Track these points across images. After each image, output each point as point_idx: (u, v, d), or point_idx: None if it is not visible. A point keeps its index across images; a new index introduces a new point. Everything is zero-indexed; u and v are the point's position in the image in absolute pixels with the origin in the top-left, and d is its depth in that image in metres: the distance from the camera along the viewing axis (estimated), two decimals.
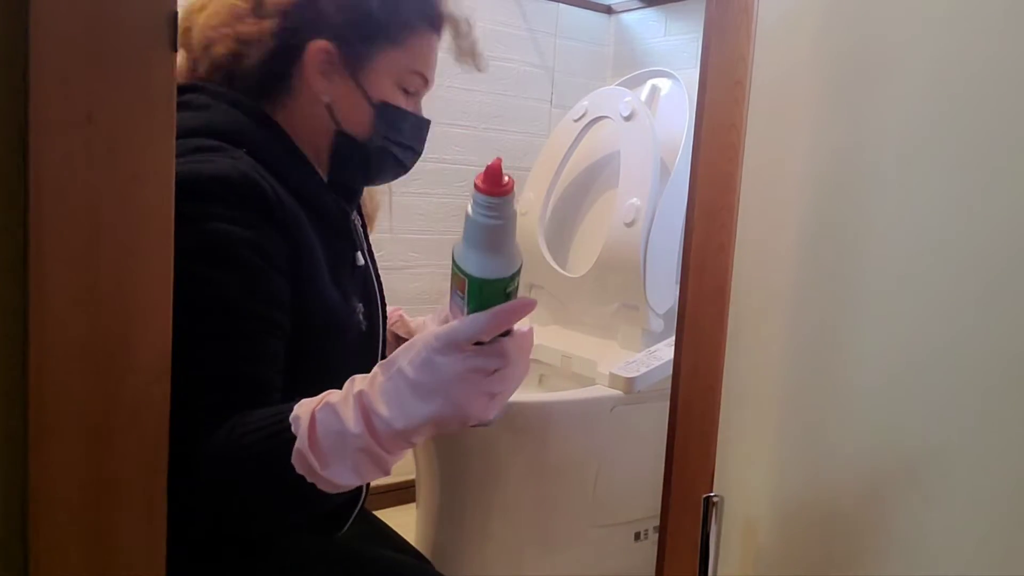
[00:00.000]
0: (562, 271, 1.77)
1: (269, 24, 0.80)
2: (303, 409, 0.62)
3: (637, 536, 1.66)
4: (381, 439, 0.60)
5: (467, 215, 0.61)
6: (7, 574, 0.50)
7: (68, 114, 0.48)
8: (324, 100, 0.83)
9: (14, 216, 0.48)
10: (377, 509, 1.55)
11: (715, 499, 0.80)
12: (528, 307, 0.61)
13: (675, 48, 2.06)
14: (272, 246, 0.73)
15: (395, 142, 0.87)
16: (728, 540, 0.82)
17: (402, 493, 1.97)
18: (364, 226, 0.99)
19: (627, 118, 1.69)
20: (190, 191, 0.65)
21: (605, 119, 1.76)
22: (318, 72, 0.82)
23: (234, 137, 0.77)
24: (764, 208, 0.80)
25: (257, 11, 0.81)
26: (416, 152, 0.92)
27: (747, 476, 0.82)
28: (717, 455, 0.84)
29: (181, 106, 0.76)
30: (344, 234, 0.87)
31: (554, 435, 1.50)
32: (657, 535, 0.90)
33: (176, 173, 0.58)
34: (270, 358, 0.72)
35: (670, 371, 0.88)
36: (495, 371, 0.60)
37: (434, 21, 0.88)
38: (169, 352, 0.54)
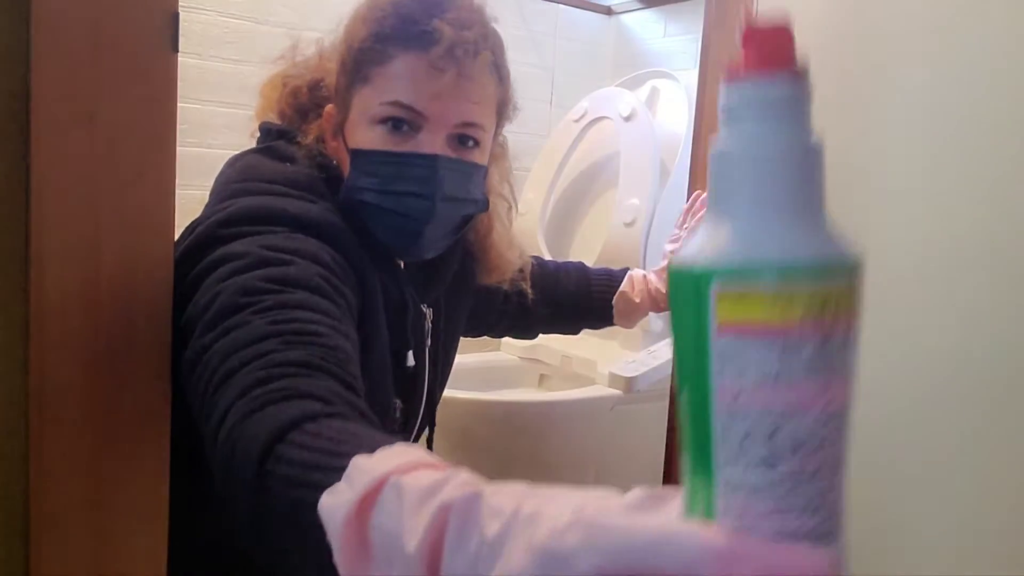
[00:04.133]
0: None
1: (288, 101, 0.80)
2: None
3: None
4: None
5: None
6: (8, 574, 0.50)
7: (69, 114, 0.48)
8: (334, 162, 0.77)
9: (15, 215, 0.48)
10: None
11: None
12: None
13: (675, 48, 2.06)
14: (350, 295, 0.66)
15: (381, 191, 0.73)
16: None
17: None
18: (436, 322, 0.86)
19: (627, 118, 1.69)
20: (263, 218, 0.64)
21: (605, 119, 1.76)
22: (330, 136, 0.78)
23: (313, 191, 0.72)
24: None
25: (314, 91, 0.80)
26: (426, 196, 0.73)
27: None
28: None
29: (262, 151, 0.76)
30: (399, 330, 0.77)
31: (554, 435, 1.50)
32: None
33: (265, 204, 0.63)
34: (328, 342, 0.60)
35: (670, 371, 0.88)
36: None
37: (410, 38, 0.72)
38: (169, 352, 0.54)
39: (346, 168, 0.75)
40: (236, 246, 0.60)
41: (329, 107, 0.77)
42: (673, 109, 1.73)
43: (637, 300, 1.01)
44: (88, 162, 0.49)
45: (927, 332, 0.67)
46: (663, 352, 1.57)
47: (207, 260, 0.59)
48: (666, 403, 0.88)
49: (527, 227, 1.81)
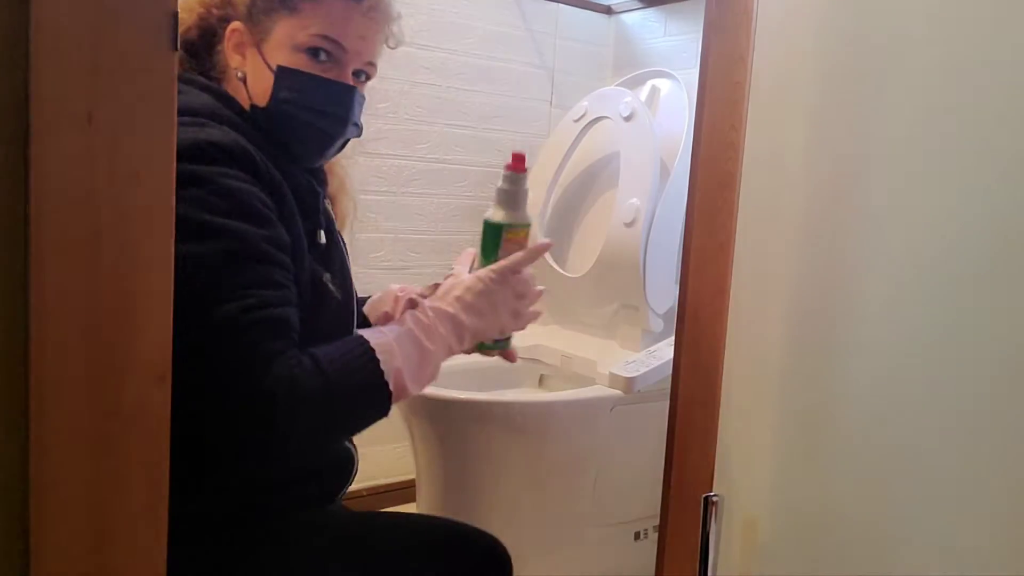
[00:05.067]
0: (562, 271, 1.77)
1: (197, 11, 0.90)
2: (382, 338, 0.80)
3: (637, 536, 1.67)
4: (453, 348, 0.86)
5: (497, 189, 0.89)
6: (8, 574, 0.50)
7: (68, 114, 0.48)
8: (239, 75, 0.88)
9: (15, 216, 0.48)
10: (378, 509, 1.55)
11: (715, 498, 0.80)
12: (547, 247, 0.94)
13: (675, 48, 2.06)
14: (271, 203, 0.81)
15: (302, 106, 0.86)
16: (728, 539, 0.82)
17: (402, 493, 1.97)
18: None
19: (627, 118, 1.69)
20: (192, 155, 0.75)
21: (605, 119, 1.76)
22: (233, 50, 0.88)
23: (213, 116, 0.83)
24: (764, 208, 0.81)
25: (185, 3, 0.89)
26: (341, 119, 0.88)
27: (747, 476, 0.82)
28: (717, 455, 0.84)
29: None
30: (311, 212, 0.90)
31: (554, 435, 1.50)
32: (657, 535, 0.90)
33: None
34: (294, 301, 0.80)
35: (670, 371, 0.88)
36: (522, 296, 0.90)
37: None
38: (169, 352, 0.54)
39: (252, 78, 0.88)
40: (184, 209, 0.65)
41: (237, 24, 0.88)
42: (673, 109, 1.73)
43: (386, 308, 1.08)
44: (87, 162, 0.49)
45: (927, 332, 0.67)
46: (663, 352, 1.57)
47: None
48: (666, 403, 0.88)
49: None
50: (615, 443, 1.55)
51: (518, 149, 0.89)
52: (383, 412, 0.79)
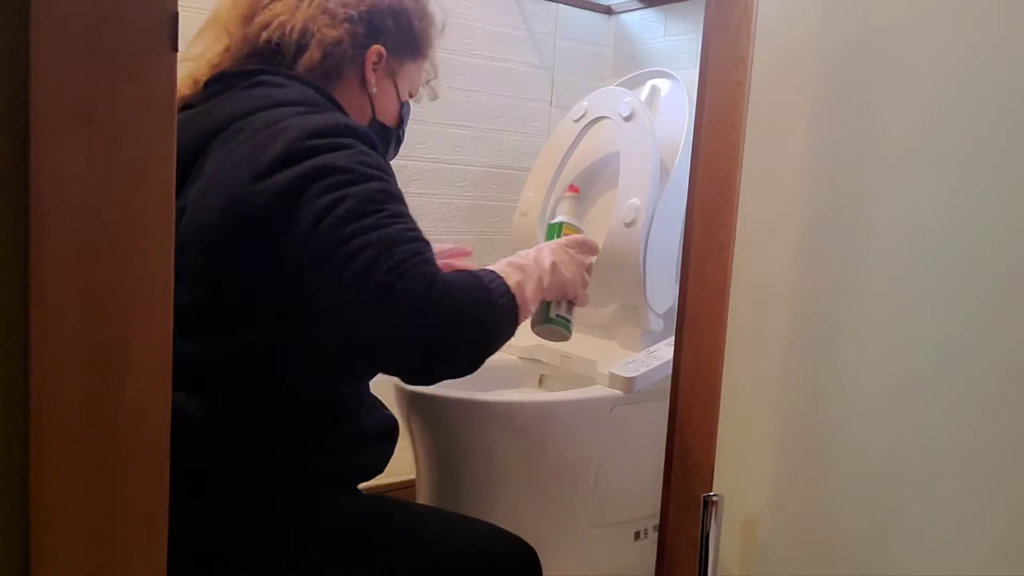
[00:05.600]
0: None
1: (346, 28, 1.00)
2: (508, 275, 0.94)
3: (637, 535, 1.67)
4: (545, 292, 1.01)
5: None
6: (8, 574, 0.51)
7: (68, 115, 0.48)
8: (372, 92, 1.05)
9: (15, 216, 0.48)
10: None
11: (715, 498, 0.80)
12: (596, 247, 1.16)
13: (675, 48, 2.06)
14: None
15: (403, 134, 1.15)
16: (727, 539, 0.82)
17: (402, 493, 1.97)
18: None
19: (627, 118, 1.69)
20: (338, 131, 0.88)
21: (605, 119, 1.76)
22: (371, 68, 1.04)
23: (334, 105, 0.98)
24: (764, 208, 0.81)
25: (333, 20, 1.00)
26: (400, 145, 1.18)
27: (747, 476, 0.82)
28: (717, 455, 0.84)
29: (257, 84, 0.95)
30: None
31: (554, 435, 1.50)
32: (657, 534, 0.90)
33: (297, 126, 0.86)
34: None
35: (670, 371, 0.88)
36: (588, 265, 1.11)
37: (427, 51, 1.13)
38: (170, 352, 0.54)
39: (381, 99, 1.07)
40: (335, 158, 0.84)
41: (382, 50, 1.04)
42: (673, 109, 1.73)
43: None
44: (88, 162, 0.49)
45: (927, 332, 0.67)
46: (663, 352, 1.57)
47: (307, 165, 0.83)
48: (666, 403, 0.88)
49: (527, 227, 1.81)
50: (615, 443, 1.55)
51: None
52: (516, 325, 0.93)
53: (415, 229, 0.88)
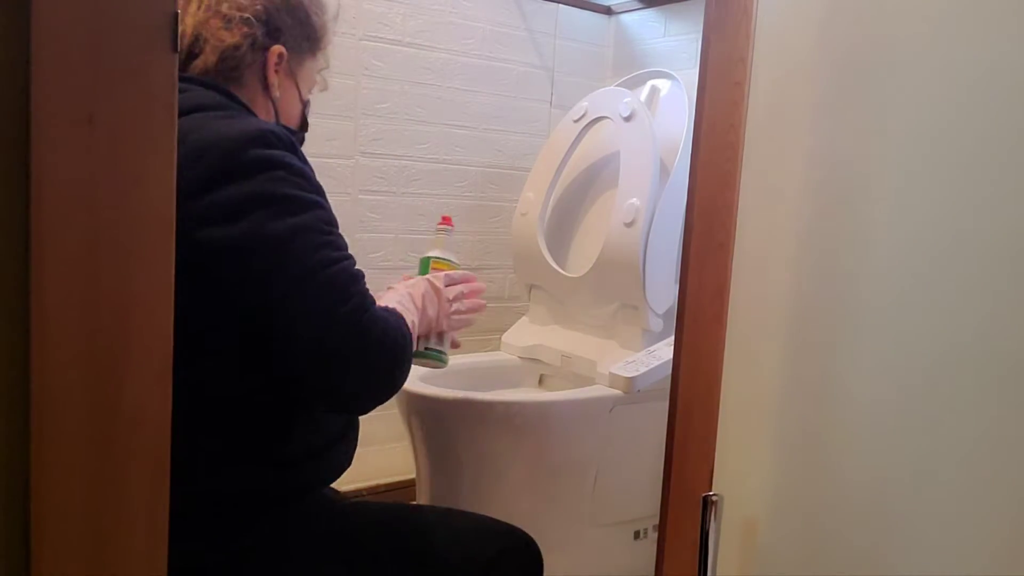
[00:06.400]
0: (562, 271, 1.77)
1: (243, 32, 0.96)
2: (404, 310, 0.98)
3: (637, 535, 1.67)
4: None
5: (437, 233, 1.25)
6: (8, 574, 0.51)
7: (68, 115, 0.48)
8: (275, 94, 1.00)
9: (15, 216, 0.48)
10: None
11: (714, 498, 0.80)
12: (473, 279, 1.16)
13: (675, 48, 2.06)
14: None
15: (304, 134, 1.09)
16: (727, 539, 0.82)
17: (402, 493, 1.97)
18: None
19: (627, 118, 1.69)
20: (264, 141, 0.84)
21: (605, 119, 1.76)
22: (273, 70, 0.99)
23: (245, 110, 0.94)
24: (764, 208, 0.81)
25: (228, 23, 0.95)
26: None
27: (746, 476, 0.82)
28: (716, 454, 0.84)
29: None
30: None
31: (554, 435, 1.50)
32: (656, 534, 0.90)
33: (224, 135, 0.83)
34: None
35: (670, 371, 0.88)
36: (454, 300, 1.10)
37: (325, 42, 1.09)
38: (170, 352, 0.54)
39: (285, 100, 1.02)
40: (274, 185, 0.83)
41: (283, 50, 0.99)
42: (673, 109, 1.73)
43: None
44: (88, 162, 0.49)
45: (928, 332, 0.67)
46: (663, 352, 1.57)
47: (249, 187, 0.82)
48: (666, 403, 0.88)
49: (527, 227, 1.82)
50: (615, 443, 1.55)
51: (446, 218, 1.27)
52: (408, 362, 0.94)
53: (352, 259, 0.89)
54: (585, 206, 1.86)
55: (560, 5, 2.14)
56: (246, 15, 0.95)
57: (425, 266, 1.20)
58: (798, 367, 0.77)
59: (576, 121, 1.81)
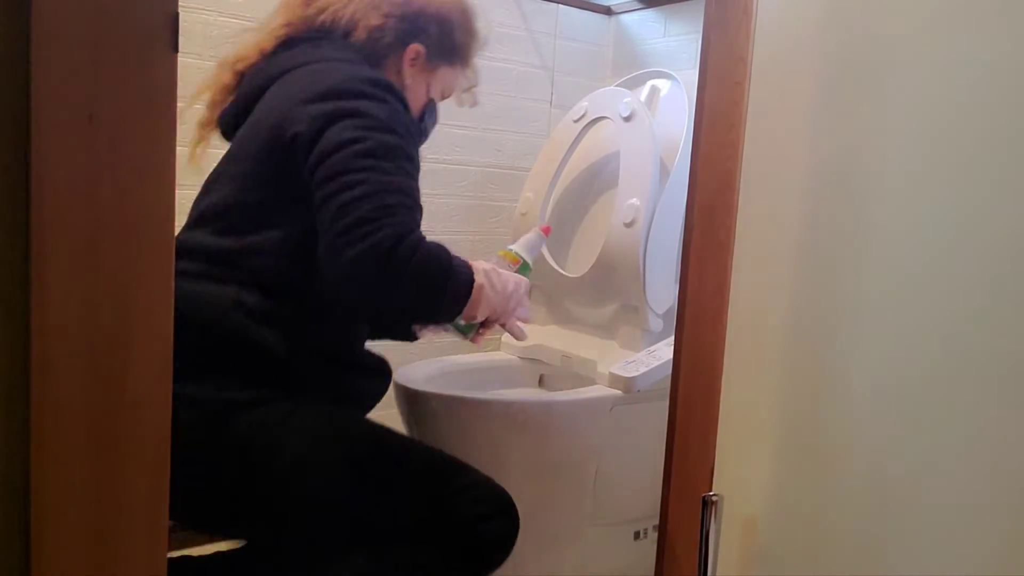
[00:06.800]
0: (562, 271, 1.77)
1: (389, 21, 1.14)
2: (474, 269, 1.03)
3: (637, 535, 1.67)
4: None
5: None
6: (8, 574, 0.51)
7: (69, 114, 0.48)
8: (405, 82, 1.17)
9: (16, 216, 0.48)
10: None
11: (714, 498, 0.81)
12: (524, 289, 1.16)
13: (675, 49, 2.07)
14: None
15: (425, 133, 1.22)
16: (727, 539, 0.82)
17: None
18: None
19: (627, 118, 1.69)
20: (374, 83, 1.02)
21: (605, 119, 1.76)
22: (409, 63, 1.17)
23: (368, 62, 1.11)
24: (764, 208, 0.81)
25: (378, 10, 1.14)
26: (423, 143, 1.22)
27: (746, 475, 0.82)
28: (716, 454, 0.84)
29: (314, 47, 1.10)
30: None
31: (554, 435, 1.50)
32: (656, 534, 0.90)
33: (346, 71, 1.03)
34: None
35: (670, 371, 0.88)
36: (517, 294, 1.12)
37: (467, 62, 1.26)
38: (170, 352, 0.54)
39: (411, 94, 1.16)
40: (371, 106, 0.99)
41: (418, 47, 1.17)
42: (673, 109, 1.73)
43: None
44: (88, 162, 0.49)
45: (927, 332, 0.67)
46: (663, 352, 1.57)
47: (346, 104, 0.98)
48: (666, 403, 0.88)
49: (527, 227, 1.81)
50: (615, 443, 1.55)
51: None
52: (457, 309, 1.01)
53: (414, 190, 0.98)
54: (585, 206, 1.86)
55: (560, 5, 2.14)
56: (395, 10, 1.15)
57: (507, 256, 1.28)
58: (798, 366, 0.77)
59: (576, 121, 1.81)
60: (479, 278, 1.02)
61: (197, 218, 1.08)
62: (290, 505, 1.02)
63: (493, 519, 1.08)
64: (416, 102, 1.19)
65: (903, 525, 0.68)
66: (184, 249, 1.02)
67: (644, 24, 2.16)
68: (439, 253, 0.97)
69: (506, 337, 1.88)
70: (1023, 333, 0.61)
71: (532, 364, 1.80)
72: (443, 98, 1.26)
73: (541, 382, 1.82)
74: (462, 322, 1.12)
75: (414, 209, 0.97)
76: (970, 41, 0.64)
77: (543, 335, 1.81)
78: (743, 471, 0.82)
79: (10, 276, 0.48)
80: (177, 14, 0.51)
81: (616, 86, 1.86)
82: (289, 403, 1.03)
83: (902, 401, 0.68)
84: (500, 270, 1.10)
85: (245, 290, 1.01)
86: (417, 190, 0.99)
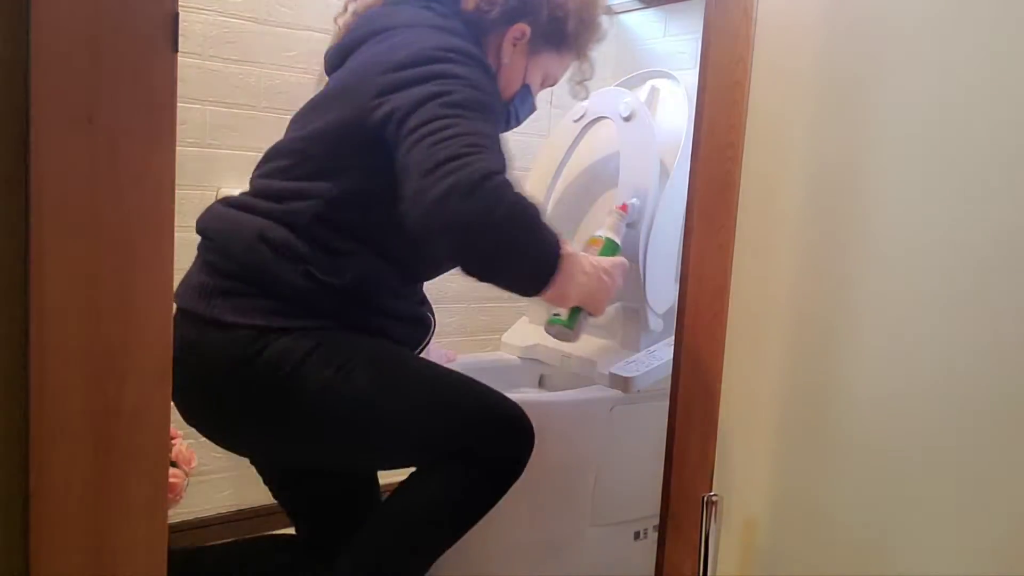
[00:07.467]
0: None
1: None
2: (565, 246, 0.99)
3: (637, 536, 1.67)
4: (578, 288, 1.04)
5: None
6: (8, 574, 0.51)
7: (69, 115, 0.48)
8: (503, 61, 1.15)
9: (16, 216, 0.48)
10: None
11: (714, 498, 0.81)
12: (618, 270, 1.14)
13: (675, 49, 2.06)
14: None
15: (516, 119, 1.20)
16: (727, 539, 0.82)
17: None
18: None
19: (627, 118, 1.69)
20: (465, 52, 1.01)
21: (605, 119, 1.76)
22: (511, 42, 1.15)
23: (463, 35, 1.09)
24: (764, 208, 0.81)
25: None
26: (514, 127, 1.23)
27: (746, 476, 0.82)
28: (716, 454, 0.84)
29: (421, 8, 1.10)
30: None
31: (554, 435, 1.50)
32: (657, 534, 0.90)
33: (434, 39, 1.02)
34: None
35: (670, 371, 0.88)
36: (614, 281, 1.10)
37: (580, 52, 1.24)
38: (170, 352, 0.54)
39: (507, 73, 1.16)
40: (455, 68, 0.98)
41: (527, 29, 1.14)
42: (673, 109, 1.73)
43: None
44: (88, 163, 0.49)
45: (927, 332, 0.67)
46: (663, 352, 1.57)
47: (432, 67, 0.97)
48: (666, 403, 0.88)
49: None
50: (615, 443, 1.55)
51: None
52: (542, 276, 0.96)
53: (498, 139, 0.96)
54: (585, 206, 1.86)
55: None
56: None
57: (595, 244, 1.27)
58: (798, 367, 0.77)
59: (576, 121, 1.81)
60: (567, 249, 0.98)
61: (278, 147, 1.10)
62: (317, 432, 1.05)
63: (508, 438, 1.15)
64: (510, 83, 1.17)
65: (903, 525, 0.68)
66: (254, 176, 1.08)
67: (644, 24, 2.16)
68: (529, 203, 0.94)
69: (506, 337, 1.88)
70: (1022, 331, 0.61)
71: (532, 364, 1.80)
72: (543, 86, 1.22)
73: (541, 382, 1.82)
74: (559, 315, 1.12)
75: (502, 155, 0.95)
76: (970, 42, 0.64)
77: (543, 335, 1.81)
78: (743, 471, 0.82)
79: (10, 277, 0.48)
80: (177, 14, 0.51)
81: (616, 86, 1.85)
82: (316, 335, 1.03)
83: (901, 401, 0.68)
84: (591, 256, 1.08)
85: (277, 225, 1.01)
86: (498, 138, 0.97)
